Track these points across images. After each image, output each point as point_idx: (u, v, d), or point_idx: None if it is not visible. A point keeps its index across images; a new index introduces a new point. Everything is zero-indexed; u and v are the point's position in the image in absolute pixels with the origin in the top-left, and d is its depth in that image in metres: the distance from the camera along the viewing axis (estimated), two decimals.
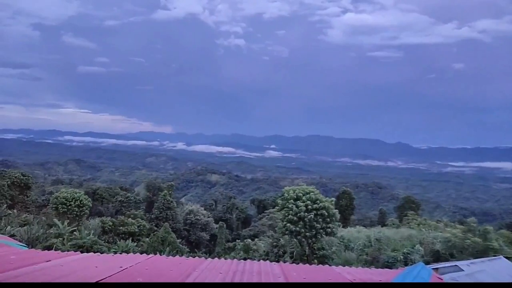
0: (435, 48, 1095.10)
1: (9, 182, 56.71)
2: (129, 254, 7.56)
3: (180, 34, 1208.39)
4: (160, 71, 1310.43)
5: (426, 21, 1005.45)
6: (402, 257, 31.13)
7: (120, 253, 36.81)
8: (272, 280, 5.47)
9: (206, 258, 7.46)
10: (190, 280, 5.19)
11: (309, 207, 31.78)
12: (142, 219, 55.20)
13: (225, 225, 64.37)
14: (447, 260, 29.92)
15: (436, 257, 31.43)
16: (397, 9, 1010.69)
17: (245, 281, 5.40)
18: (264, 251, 37.27)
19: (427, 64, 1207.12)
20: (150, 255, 7.17)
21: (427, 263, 30.07)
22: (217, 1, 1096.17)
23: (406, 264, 29.99)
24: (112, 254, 7.63)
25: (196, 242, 63.61)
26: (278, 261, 32.01)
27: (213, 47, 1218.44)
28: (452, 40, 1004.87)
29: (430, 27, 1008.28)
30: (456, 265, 15.52)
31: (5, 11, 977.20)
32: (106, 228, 46.95)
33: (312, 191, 33.33)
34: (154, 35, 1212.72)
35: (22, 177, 59.92)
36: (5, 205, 50.55)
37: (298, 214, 31.75)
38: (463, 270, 14.52)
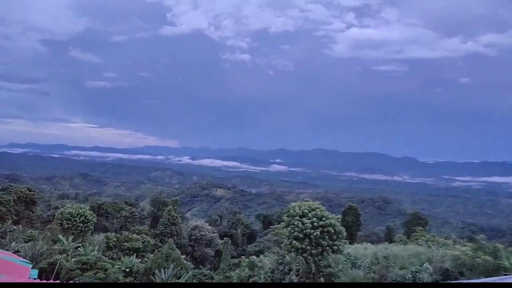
0: (441, 62, 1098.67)
1: (15, 197, 56.85)
2: None
3: (186, 49, 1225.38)
4: (166, 86, 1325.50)
5: (431, 35, 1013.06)
6: (410, 275, 30.50)
7: (124, 270, 36.42)
8: None
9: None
10: None
11: (315, 224, 31.36)
12: (146, 235, 54.90)
13: (230, 240, 63.81)
14: (456, 279, 29.29)
15: (445, 275, 30.75)
16: (401, 24, 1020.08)
17: None
18: (270, 268, 36.70)
19: (433, 78, 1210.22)
20: None
21: (435, 281, 29.47)
22: (223, 16, 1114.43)
23: None
24: None
25: (201, 258, 62.99)
26: (283, 279, 31.55)
27: (219, 62, 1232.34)
28: (458, 54, 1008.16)
29: (435, 41, 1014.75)
30: None
31: (16, 27, 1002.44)
32: (111, 244, 46.72)
33: (318, 208, 32.95)
34: (161, 50, 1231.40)
35: (28, 192, 60.06)
36: (11, 220, 50.53)
37: (304, 231, 31.32)
38: None
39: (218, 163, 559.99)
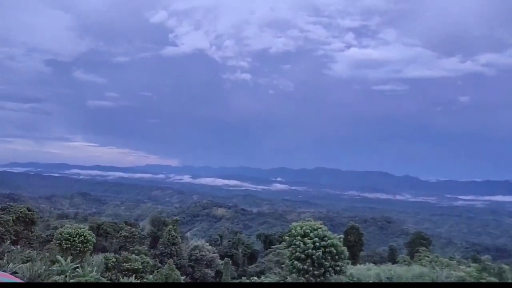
0: (440, 81, 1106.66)
1: (14, 217, 56.36)
2: None
3: (188, 69, 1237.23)
4: (167, 105, 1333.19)
5: (430, 55, 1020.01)
6: None
7: None
8: None
9: None
10: None
11: (317, 244, 30.96)
12: (146, 255, 54.15)
13: (230, 261, 62.90)
14: None
15: None
16: (400, 44, 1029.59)
17: None
18: None
19: (433, 97, 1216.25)
20: None
21: None
22: (224, 37, 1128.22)
23: None
24: None
25: (201, 279, 61.96)
26: None
27: (220, 82, 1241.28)
28: (457, 74, 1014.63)
29: (433, 60, 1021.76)
30: None
31: (20, 48, 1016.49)
32: (110, 264, 46.02)
33: (320, 227, 32.59)
34: (163, 70, 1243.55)
35: (27, 212, 59.56)
36: (9, 241, 50.01)
37: (306, 252, 30.89)
38: None
39: (219, 182, 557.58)
